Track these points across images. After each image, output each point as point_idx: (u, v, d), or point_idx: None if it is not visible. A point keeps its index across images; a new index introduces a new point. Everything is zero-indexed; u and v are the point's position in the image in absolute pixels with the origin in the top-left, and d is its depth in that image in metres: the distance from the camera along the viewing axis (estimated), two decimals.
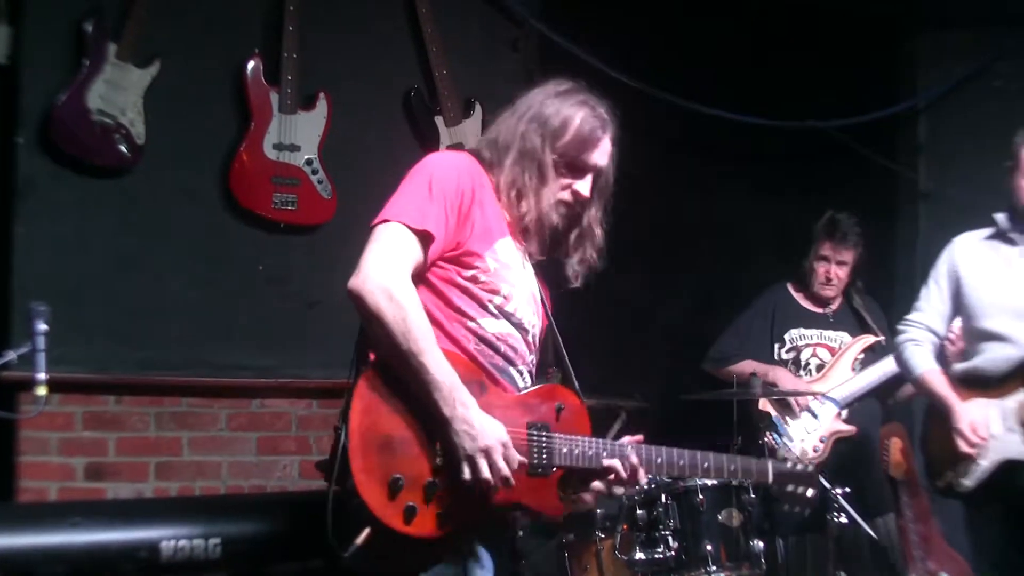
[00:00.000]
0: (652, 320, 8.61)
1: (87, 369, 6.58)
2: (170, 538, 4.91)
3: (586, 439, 3.98)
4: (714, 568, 5.78)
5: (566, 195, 4.05)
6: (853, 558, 6.78)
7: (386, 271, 3.60)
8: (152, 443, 6.82)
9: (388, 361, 3.63)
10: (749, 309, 7.43)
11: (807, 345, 7.20)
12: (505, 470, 3.65)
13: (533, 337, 4.09)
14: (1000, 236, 5.94)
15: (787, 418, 6.99)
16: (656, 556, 5.83)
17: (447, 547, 3.75)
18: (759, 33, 8.53)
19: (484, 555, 3.92)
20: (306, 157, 7.06)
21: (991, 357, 5.78)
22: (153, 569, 4.98)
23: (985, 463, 5.65)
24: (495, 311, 3.89)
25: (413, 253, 3.71)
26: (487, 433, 3.62)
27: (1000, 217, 5.92)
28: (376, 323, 3.59)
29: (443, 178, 3.83)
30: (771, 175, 8.66)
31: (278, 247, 7.13)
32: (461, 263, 3.85)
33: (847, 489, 6.02)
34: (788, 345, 7.22)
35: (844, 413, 7.01)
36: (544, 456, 3.86)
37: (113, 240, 6.75)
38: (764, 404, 6.98)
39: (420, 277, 3.80)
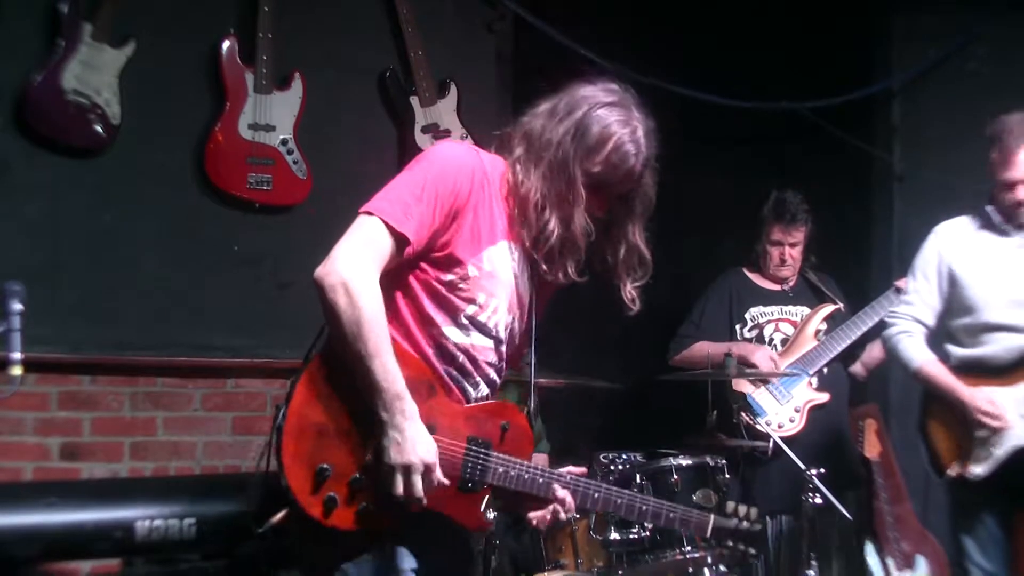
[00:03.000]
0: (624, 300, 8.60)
1: (62, 349, 6.57)
2: (145, 518, 4.92)
3: (525, 463, 3.92)
4: (688, 548, 5.79)
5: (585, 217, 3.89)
6: (825, 539, 6.81)
7: (351, 267, 3.56)
8: (127, 423, 6.82)
9: (339, 351, 3.60)
10: (704, 296, 7.45)
11: (768, 321, 7.21)
12: (418, 491, 3.60)
13: (508, 343, 4.03)
14: (989, 228, 5.95)
15: (759, 394, 7.00)
16: (631, 536, 5.84)
17: (364, 543, 3.73)
18: (734, 15, 8.54)
19: (404, 553, 3.84)
20: (281, 137, 7.05)
21: (999, 347, 5.80)
22: (128, 549, 5.00)
23: (998, 451, 5.67)
24: (465, 322, 3.83)
25: (385, 252, 3.64)
26: (413, 449, 3.57)
27: (990, 210, 5.94)
28: (330, 316, 3.57)
29: (441, 177, 3.73)
30: (745, 156, 8.68)
31: (253, 227, 7.11)
32: (442, 266, 3.78)
33: (822, 470, 6.02)
34: (750, 324, 7.22)
35: (815, 381, 7.03)
36: (477, 473, 3.82)
37: (88, 220, 6.73)
38: (737, 383, 6.99)
39: (399, 275, 3.75)
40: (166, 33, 6.90)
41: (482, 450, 3.84)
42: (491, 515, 3.97)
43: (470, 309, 3.83)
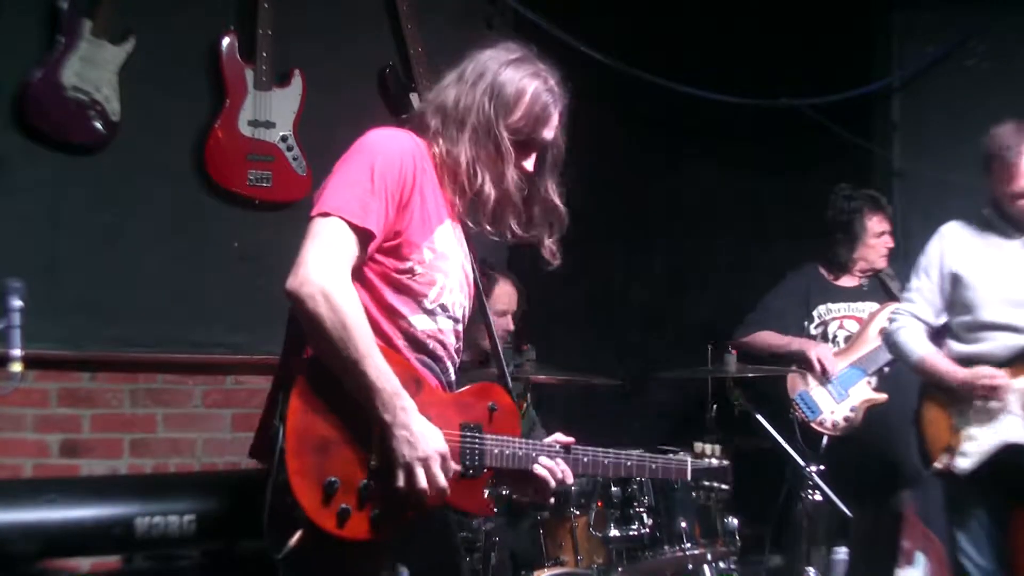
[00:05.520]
0: (625, 297, 8.62)
1: (62, 346, 6.57)
2: (144, 514, 4.91)
3: (517, 440, 3.95)
4: (688, 545, 5.80)
5: (516, 173, 3.92)
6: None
7: (325, 273, 3.52)
8: (127, 420, 6.83)
9: (326, 362, 3.56)
10: (776, 287, 7.45)
11: (834, 318, 7.22)
12: (441, 481, 3.60)
13: (463, 322, 4.01)
14: (993, 229, 6.02)
15: (816, 391, 6.98)
16: (630, 533, 5.85)
17: (379, 552, 3.72)
18: (733, 11, 8.53)
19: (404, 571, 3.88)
20: (281, 134, 7.05)
21: (997, 344, 5.89)
22: (128, 545, 4.98)
23: (987, 446, 5.77)
24: (430, 307, 3.80)
25: (352, 251, 3.61)
26: (426, 442, 3.57)
27: (988, 212, 6.01)
28: (315, 327, 3.52)
29: (386, 165, 3.70)
30: (745, 153, 8.68)
31: (253, 224, 7.11)
32: (398, 255, 3.73)
33: (822, 467, 6.02)
34: (816, 320, 7.23)
35: (874, 381, 7.02)
36: (476, 458, 3.83)
37: (88, 217, 6.74)
38: (793, 380, 7.00)
39: (355, 272, 3.68)
40: (166, 29, 6.90)
41: (476, 435, 3.85)
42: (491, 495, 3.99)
43: (432, 293, 3.80)
